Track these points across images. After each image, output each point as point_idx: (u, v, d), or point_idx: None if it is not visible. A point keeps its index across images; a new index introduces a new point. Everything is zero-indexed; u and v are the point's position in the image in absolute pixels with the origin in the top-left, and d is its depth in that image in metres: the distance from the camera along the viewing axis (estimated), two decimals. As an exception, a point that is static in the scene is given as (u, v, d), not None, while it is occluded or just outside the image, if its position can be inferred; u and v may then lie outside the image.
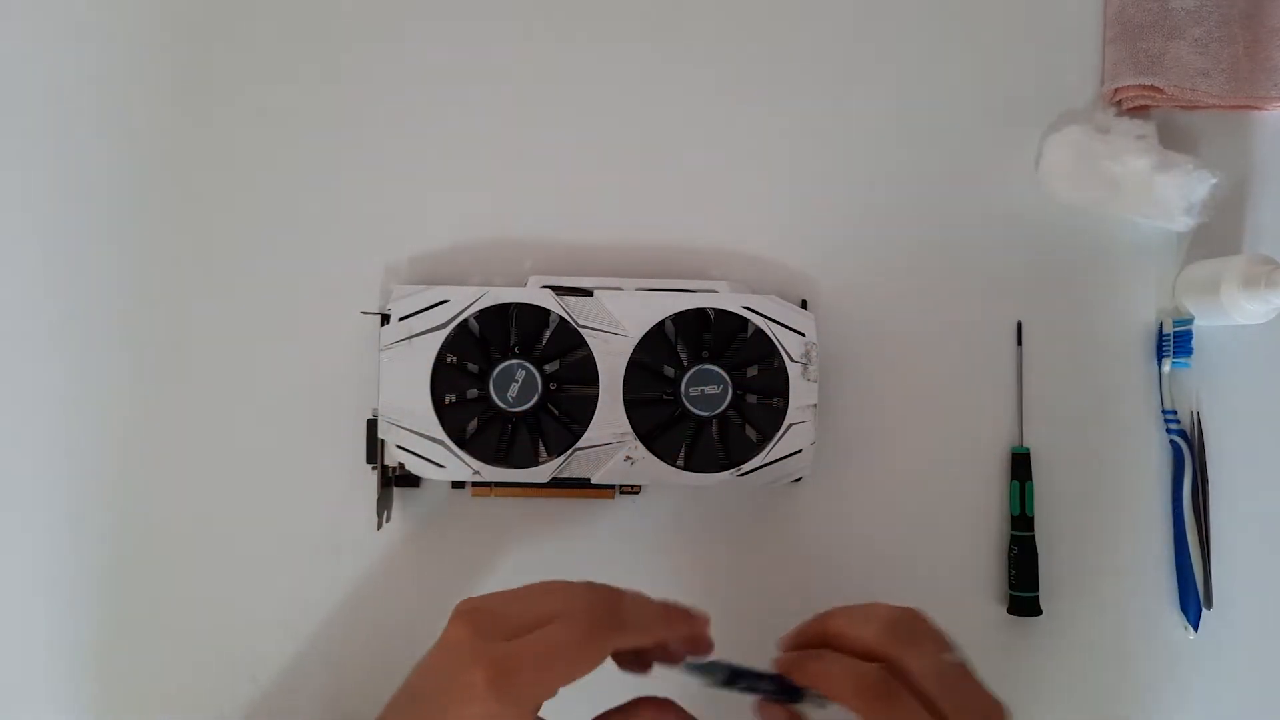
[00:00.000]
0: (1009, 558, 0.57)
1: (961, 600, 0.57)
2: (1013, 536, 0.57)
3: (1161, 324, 0.58)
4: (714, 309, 0.54)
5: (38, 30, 0.57)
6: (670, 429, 0.54)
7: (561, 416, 0.54)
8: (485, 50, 0.58)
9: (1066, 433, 0.58)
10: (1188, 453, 0.57)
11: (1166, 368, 0.57)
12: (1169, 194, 0.55)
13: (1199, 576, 0.56)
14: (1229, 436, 0.58)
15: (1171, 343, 0.57)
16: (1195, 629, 0.56)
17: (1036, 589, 0.56)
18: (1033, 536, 0.56)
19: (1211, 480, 0.57)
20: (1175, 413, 0.57)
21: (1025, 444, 0.57)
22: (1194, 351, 0.56)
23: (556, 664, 0.39)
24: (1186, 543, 0.56)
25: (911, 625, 0.43)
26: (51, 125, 0.57)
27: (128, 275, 0.57)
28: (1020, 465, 0.57)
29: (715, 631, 0.56)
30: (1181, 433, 0.57)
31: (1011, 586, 0.56)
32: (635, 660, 0.45)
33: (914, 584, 0.57)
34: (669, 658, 0.45)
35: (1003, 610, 0.57)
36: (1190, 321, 0.57)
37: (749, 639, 0.57)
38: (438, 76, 0.58)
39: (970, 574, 0.57)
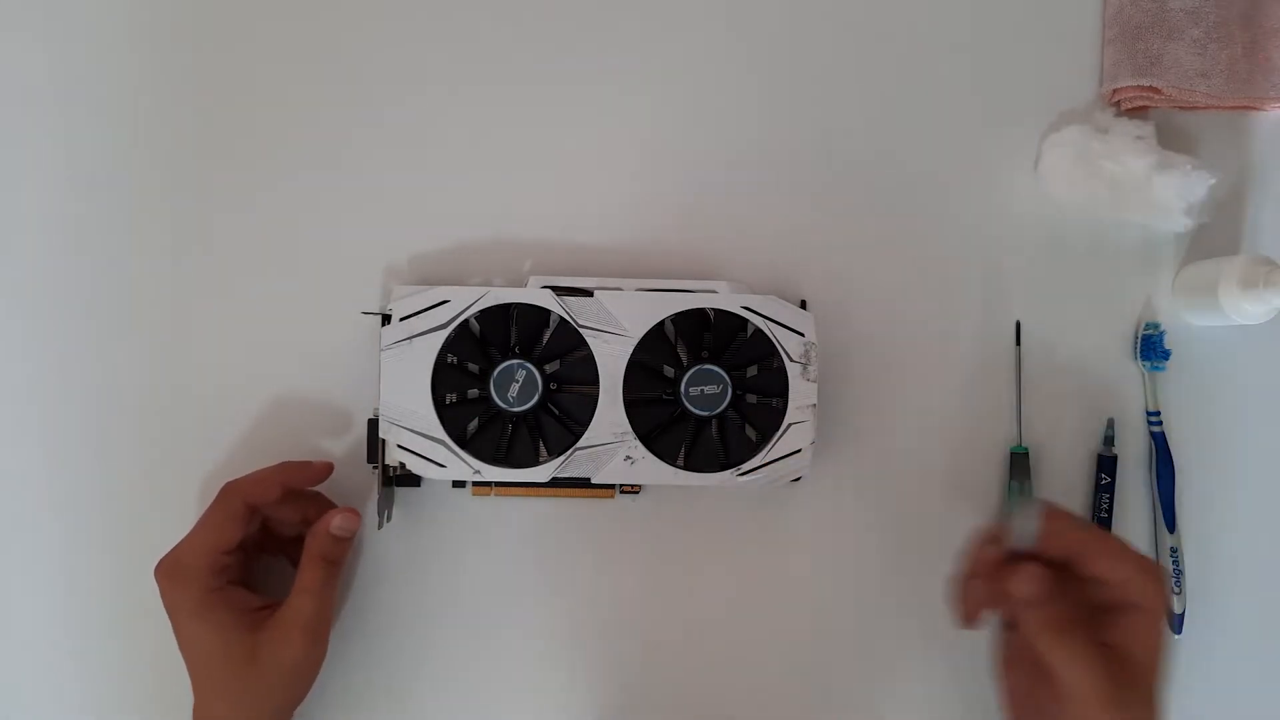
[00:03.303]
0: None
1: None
2: (1011, 536, 0.57)
3: (1136, 328, 0.58)
4: (714, 309, 0.54)
5: (40, 29, 0.57)
6: (670, 429, 0.54)
7: (562, 416, 0.54)
8: (486, 50, 0.58)
9: (1065, 433, 0.58)
10: (1158, 453, 0.57)
11: (1145, 370, 0.58)
12: (1167, 194, 0.55)
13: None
14: (1227, 436, 0.58)
15: (1138, 346, 0.57)
16: (1177, 630, 0.56)
17: (1035, 588, 0.56)
18: (1031, 536, 0.56)
19: (1209, 481, 0.58)
20: (1159, 413, 0.57)
21: (1024, 444, 0.57)
22: (1170, 355, 0.57)
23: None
24: (1157, 545, 0.57)
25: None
26: (51, 124, 0.57)
27: (127, 275, 0.57)
28: (1019, 465, 0.57)
29: (716, 631, 0.57)
30: (1164, 434, 0.57)
31: (1010, 586, 0.57)
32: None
33: (913, 583, 0.57)
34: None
35: (1001, 609, 0.57)
36: (1158, 325, 0.57)
37: (749, 638, 0.57)
38: (438, 76, 0.58)
39: (969, 573, 0.57)
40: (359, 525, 0.53)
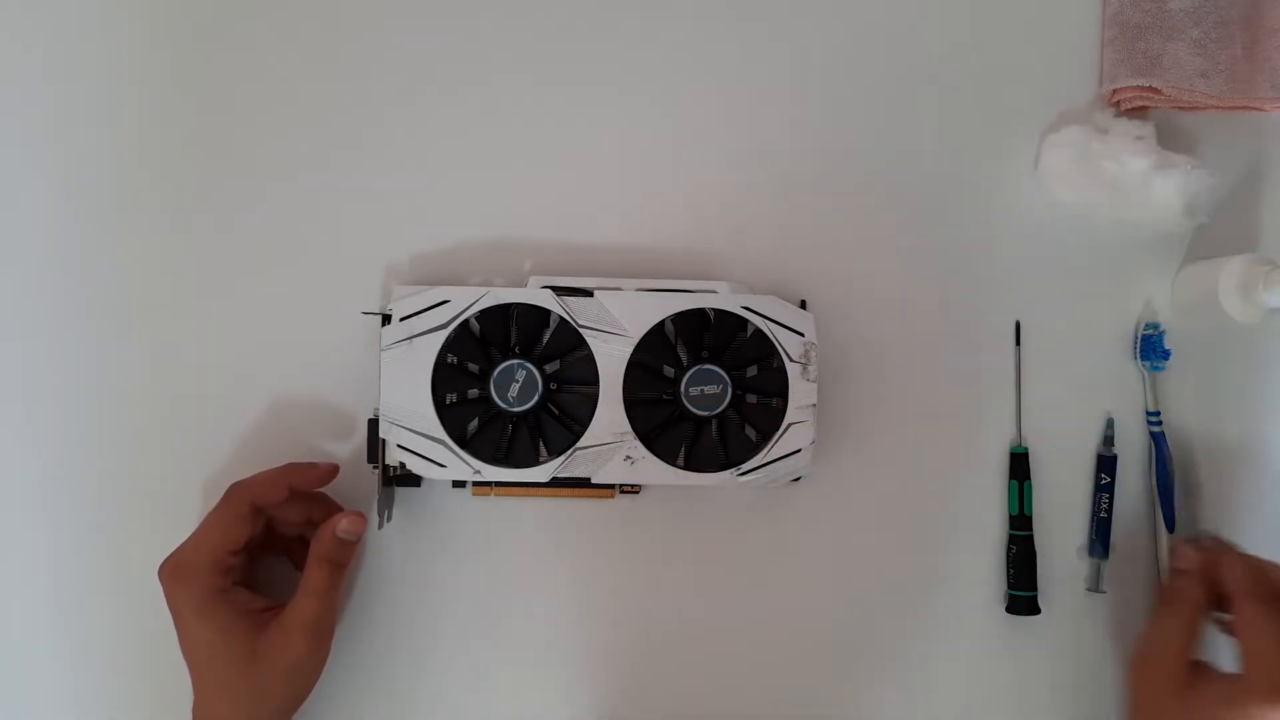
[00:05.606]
0: (1008, 557, 0.57)
1: (960, 599, 0.57)
2: (1011, 536, 0.57)
3: (1136, 327, 0.58)
4: (714, 309, 0.54)
5: (39, 27, 0.57)
6: (670, 429, 0.54)
7: (562, 416, 0.54)
8: (486, 50, 0.58)
9: (1065, 433, 0.58)
10: (1158, 452, 0.57)
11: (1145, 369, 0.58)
12: (1167, 194, 0.55)
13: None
14: (1227, 436, 0.58)
15: (1138, 346, 0.57)
16: None
17: (1035, 588, 0.56)
18: (1031, 536, 0.56)
19: (1207, 480, 0.58)
20: (1159, 413, 0.57)
21: (1024, 444, 0.57)
22: (1170, 355, 0.56)
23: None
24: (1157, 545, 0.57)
25: None
26: (51, 124, 0.57)
27: (127, 275, 0.57)
28: (1019, 465, 0.57)
29: (717, 631, 0.57)
30: (1164, 434, 0.57)
31: (1010, 585, 0.57)
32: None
33: (913, 583, 0.57)
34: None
35: (1001, 609, 0.57)
36: (1157, 325, 0.57)
37: (749, 638, 0.57)
38: (438, 76, 0.58)
39: (969, 573, 0.57)
40: (365, 528, 0.53)
